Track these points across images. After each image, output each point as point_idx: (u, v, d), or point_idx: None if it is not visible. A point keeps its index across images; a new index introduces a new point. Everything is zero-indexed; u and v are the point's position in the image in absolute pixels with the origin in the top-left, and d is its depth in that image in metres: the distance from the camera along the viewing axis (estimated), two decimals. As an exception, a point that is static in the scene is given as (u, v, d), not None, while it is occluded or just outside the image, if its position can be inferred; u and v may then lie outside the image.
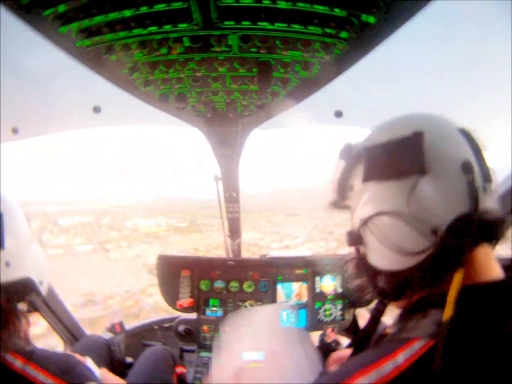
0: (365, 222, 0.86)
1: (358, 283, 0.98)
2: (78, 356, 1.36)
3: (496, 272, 0.79)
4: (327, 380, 0.80)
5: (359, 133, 0.99)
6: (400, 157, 0.81)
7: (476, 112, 1.52)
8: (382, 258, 0.85)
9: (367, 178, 0.87)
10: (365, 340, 0.98)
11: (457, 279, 0.71)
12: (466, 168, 0.76)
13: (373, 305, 1.00)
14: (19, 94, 1.58)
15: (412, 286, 0.83)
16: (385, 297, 0.92)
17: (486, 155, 0.80)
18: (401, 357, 0.69)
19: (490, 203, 0.78)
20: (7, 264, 1.07)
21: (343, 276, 2.59)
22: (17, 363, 0.99)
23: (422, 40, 1.27)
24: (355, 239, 0.91)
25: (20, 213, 1.19)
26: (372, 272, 0.90)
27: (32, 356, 1.02)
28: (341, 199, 0.97)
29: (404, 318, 0.84)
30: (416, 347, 0.70)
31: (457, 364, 0.66)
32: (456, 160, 0.77)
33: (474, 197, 0.73)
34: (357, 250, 0.94)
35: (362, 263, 0.92)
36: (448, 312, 0.68)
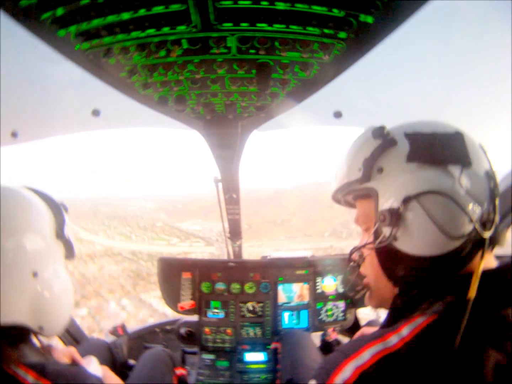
0: (411, 199, 0.81)
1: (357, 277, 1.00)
2: (85, 361, 1.35)
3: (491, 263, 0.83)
4: (332, 357, 0.80)
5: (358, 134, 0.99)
6: (446, 147, 0.83)
7: (475, 112, 1.52)
8: (419, 241, 0.82)
9: (412, 158, 0.84)
10: None
11: (482, 263, 0.75)
12: (490, 176, 0.82)
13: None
14: (18, 97, 1.58)
15: (437, 273, 0.82)
16: (404, 287, 0.88)
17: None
18: (405, 330, 0.73)
19: None
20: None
21: (344, 276, 2.58)
22: (29, 378, 0.96)
23: (420, 40, 1.27)
24: (396, 218, 0.83)
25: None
26: (396, 259, 0.86)
27: (44, 371, 1.00)
28: (365, 180, 0.91)
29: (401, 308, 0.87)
30: (419, 321, 0.74)
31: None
32: (483, 165, 0.83)
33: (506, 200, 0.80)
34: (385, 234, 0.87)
35: (387, 248, 0.86)
36: (472, 292, 0.71)
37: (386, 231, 0.85)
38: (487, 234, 0.78)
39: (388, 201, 0.86)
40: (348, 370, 0.70)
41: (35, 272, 1.05)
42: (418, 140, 0.86)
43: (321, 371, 0.77)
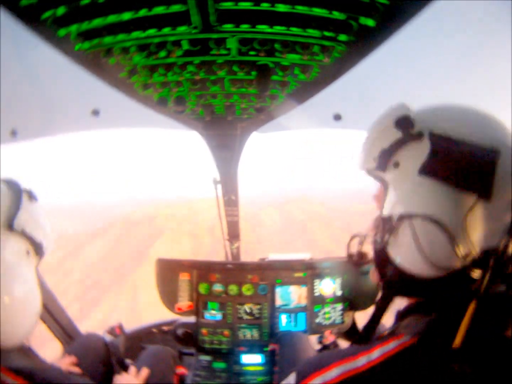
0: (404, 218, 0.79)
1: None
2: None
3: None
4: (304, 367, 0.82)
5: (358, 136, 0.99)
6: (472, 168, 0.72)
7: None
8: (403, 256, 0.82)
9: (427, 171, 0.76)
10: (365, 338, 0.98)
11: (470, 310, 0.67)
12: None
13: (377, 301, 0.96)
14: (18, 96, 1.58)
15: (418, 291, 0.83)
16: (389, 289, 0.89)
17: None
18: (376, 353, 0.73)
19: None
20: None
21: (342, 279, 2.58)
22: None
23: (422, 42, 1.27)
24: (389, 228, 0.83)
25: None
26: (386, 262, 0.86)
27: (33, 377, 0.98)
28: (379, 170, 0.88)
29: (397, 319, 0.87)
30: (391, 346, 0.73)
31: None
32: (507, 198, 0.71)
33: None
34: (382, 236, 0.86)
35: (382, 250, 0.86)
36: (457, 340, 0.66)
37: (380, 234, 0.86)
38: (476, 274, 0.72)
39: (389, 205, 0.85)
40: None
41: None
42: (442, 150, 0.75)
43: (290, 377, 0.81)
